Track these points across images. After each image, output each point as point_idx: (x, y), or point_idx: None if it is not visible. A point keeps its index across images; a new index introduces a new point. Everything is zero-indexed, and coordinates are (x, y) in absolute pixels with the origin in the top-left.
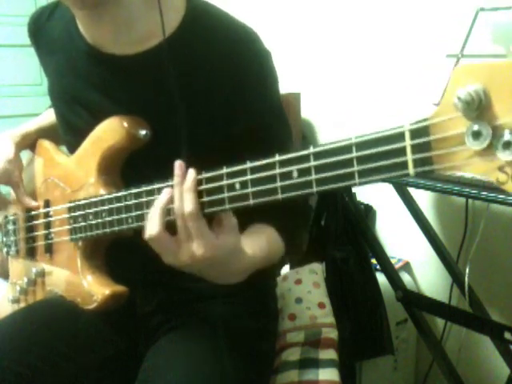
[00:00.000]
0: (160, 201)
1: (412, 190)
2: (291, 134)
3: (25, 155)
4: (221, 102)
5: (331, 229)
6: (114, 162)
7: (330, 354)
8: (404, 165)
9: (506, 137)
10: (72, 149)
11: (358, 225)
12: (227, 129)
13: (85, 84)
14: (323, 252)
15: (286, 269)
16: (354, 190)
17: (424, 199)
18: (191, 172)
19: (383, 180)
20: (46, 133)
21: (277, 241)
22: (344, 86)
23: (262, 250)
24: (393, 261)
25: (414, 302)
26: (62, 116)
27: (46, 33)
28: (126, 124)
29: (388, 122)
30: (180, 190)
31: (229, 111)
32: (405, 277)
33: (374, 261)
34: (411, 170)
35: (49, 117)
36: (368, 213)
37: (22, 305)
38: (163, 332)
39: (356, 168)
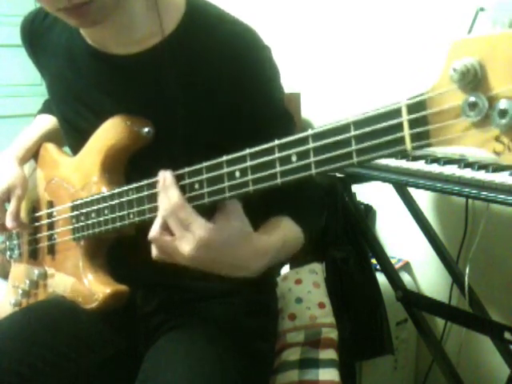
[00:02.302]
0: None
1: (412, 190)
2: (295, 129)
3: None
4: (222, 99)
5: (331, 229)
6: (117, 160)
7: (329, 353)
8: (401, 140)
9: (502, 105)
10: (76, 150)
11: (357, 225)
12: (229, 127)
13: (87, 84)
14: (323, 252)
15: (286, 269)
16: (354, 189)
17: (424, 199)
18: (167, 172)
19: (380, 157)
20: (46, 140)
21: (294, 229)
22: (344, 86)
23: (278, 233)
24: (393, 261)
25: (414, 302)
26: (65, 117)
27: (43, 35)
28: (128, 122)
29: None
30: (164, 191)
31: (230, 109)
32: (405, 277)
33: (374, 261)
34: (408, 144)
35: (44, 125)
36: (368, 213)
37: None
38: (163, 332)
39: (354, 147)
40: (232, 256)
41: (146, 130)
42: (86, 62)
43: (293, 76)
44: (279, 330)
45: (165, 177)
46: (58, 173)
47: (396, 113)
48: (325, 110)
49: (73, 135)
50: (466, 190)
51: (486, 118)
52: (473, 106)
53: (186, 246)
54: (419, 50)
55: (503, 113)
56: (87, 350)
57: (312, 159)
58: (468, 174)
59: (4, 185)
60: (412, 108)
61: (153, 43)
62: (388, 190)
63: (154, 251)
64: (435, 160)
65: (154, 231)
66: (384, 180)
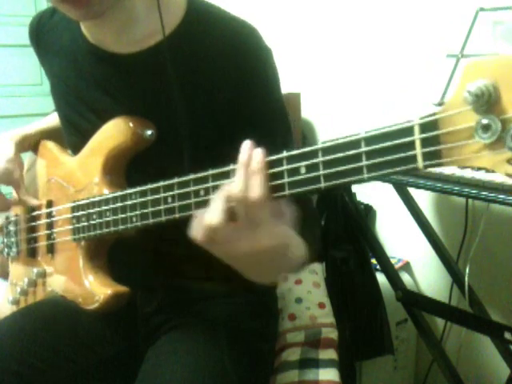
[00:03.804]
0: (227, 188)
1: (412, 190)
2: (292, 133)
3: (25, 156)
4: (223, 99)
5: (331, 229)
6: (119, 162)
7: (329, 353)
8: (413, 158)
9: None
10: (76, 150)
11: (357, 225)
12: (229, 126)
13: (88, 84)
14: (323, 252)
15: None
16: (354, 189)
17: (424, 199)
18: (259, 152)
19: (391, 174)
20: (47, 135)
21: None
22: (344, 86)
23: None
24: (393, 261)
25: (414, 302)
26: (66, 117)
27: (47, 35)
28: (131, 124)
29: (388, 121)
30: (246, 172)
31: (231, 109)
32: (405, 277)
33: (374, 261)
34: (420, 163)
35: (51, 120)
36: (368, 213)
37: (22, 306)
38: (163, 332)
39: (364, 163)
40: (270, 262)
41: (149, 132)
42: (87, 61)
43: (293, 76)
44: (279, 330)
45: (256, 157)
46: (58, 172)
47: (408, 131)
48: (325, 110)
49: (74, 135)
50: (466, 190)
51: (499, 140)
52: (486, 128)
53: (244, 245)
54: (418, 49)
55: None
56: (87, 350)
57: (321, 172)
58: (468, 174)
59: (1, 168)
60: (424, 127)
61: (153, 42)
62: (388, 190)
63: (200, 235)
64: None
65: (218, 217)
66: (384, 180)
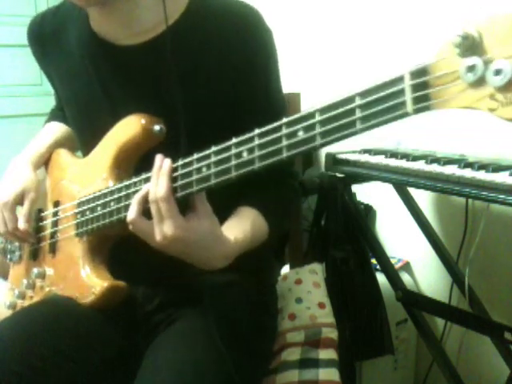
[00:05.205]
0: (140, 192)
1: (412, 190)
2: (286, 110)
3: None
4: (227, 80)
5: (331, 229)
6: (128, 157)
7: (329, 353)
8: (403, 104)
9: (497, 65)
10: (88, 150)
11: (357, 225)
12: (228, 115)
13: (97, 79)
14: (323, 252)
15: (286, 269)
16: (354, 189)
17: (424, 199)
18: (167, 160)
19: (383, 123)
20: (58, 146)
21: (260, 224)
22: (344, 86)
23: (245, 234)
24: (393, 261)
25: (414, 302)
26: (74, 117)
27: (52, 36)
28: (143, 120)
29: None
30: (157, 177)
31: (233, 89)
32: (405, 277)
33: (374, 261)
34: (410, 107)
35: (57, 130)
36: (368, 213)
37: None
38: (162, 329)
39: (357, 115)
40: (200, 253)
41: (158, 127)
42: (94, 56)
43: (293, 76)
44: (279, 330)
45: (162, 164)
46: (67, 175)
47: (400, 80)
48: None
49: (85, 136)
50: (466, 189)
51: (482, 79)
52: (470, 68)
53: (159, 235)
54: (418, 49)
55: (498, 72)
56: (87, 350)
57: (317, 131)
58: (468, 174)
59: (19, 188)
60: (415, 74)
61: (156, 33)
62: (388, 190)
63: (128, 217)
64: (435, 160)
65: (132, 215)
66: (384, 180)
